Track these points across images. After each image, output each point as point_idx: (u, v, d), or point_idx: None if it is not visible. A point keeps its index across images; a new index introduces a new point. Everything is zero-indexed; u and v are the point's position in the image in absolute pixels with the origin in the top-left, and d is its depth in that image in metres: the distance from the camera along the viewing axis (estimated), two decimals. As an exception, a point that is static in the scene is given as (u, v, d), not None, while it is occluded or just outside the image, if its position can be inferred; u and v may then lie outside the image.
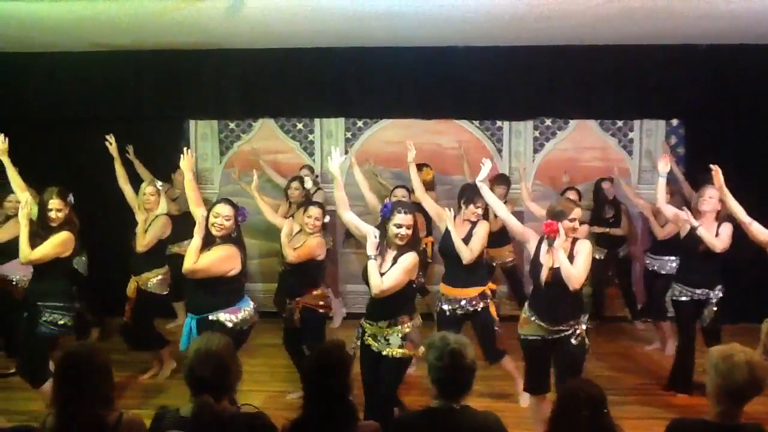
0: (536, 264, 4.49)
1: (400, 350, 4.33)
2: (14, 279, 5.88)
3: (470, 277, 5.28)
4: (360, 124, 7.98)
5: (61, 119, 7.50)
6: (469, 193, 5.32)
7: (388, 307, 4.36)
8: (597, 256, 7.13)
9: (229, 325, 4.54)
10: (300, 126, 8.03)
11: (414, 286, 4.53)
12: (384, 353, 4.35)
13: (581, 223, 6.01)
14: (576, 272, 4.30)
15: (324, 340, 5.52)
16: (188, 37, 6.29)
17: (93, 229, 6.81)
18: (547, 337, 4.48)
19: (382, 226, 4.41)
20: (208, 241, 4.58)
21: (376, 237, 4.30)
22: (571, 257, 4.37)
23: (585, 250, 4.39)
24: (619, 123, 7.81)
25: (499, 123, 7.86)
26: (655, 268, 6.66)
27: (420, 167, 6.99)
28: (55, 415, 2.75)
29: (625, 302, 7.64)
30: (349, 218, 4.66)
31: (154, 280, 5.97)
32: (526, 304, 4.70)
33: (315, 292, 5.54)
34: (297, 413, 2.87)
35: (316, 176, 7.57)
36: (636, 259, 7.65)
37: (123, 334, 6.14)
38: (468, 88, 7.14)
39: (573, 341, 4.41)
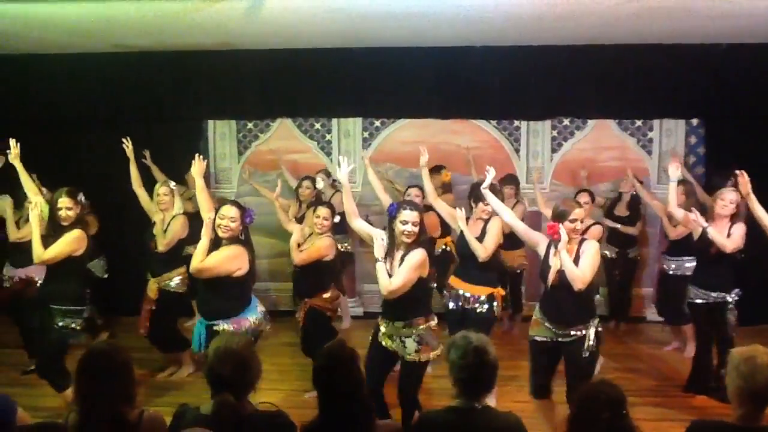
0: (545, 266, 4.48)
1: (417, 354, 4.35)
2: (39, 279, 5.94)
3: (483, 275, 5.29)
4: (377, 123, 8.00)
5: (81, 120, 7.57)
6: (477, 192, 5.30)
7: (402, 307, 4.37)
8: (608, 254, 7.12)
9: (252, 335, 4.54)
10: (317, 126, 8.06)
11: (433, 285, 4.49)
12: (406, 359, 4.38)
13: (595, 223, 6.02)
14: (580, 273, 4.27)
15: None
16: (207, 38, 6.32)
17: (107, 230, 6.92)
18: (556, 340, 4.46)
19: (389, 226, 4.42)
20: (216, 243, 4.62)
21: (383, 240, 4.31)
22: (577, 258, 4.36)
23: (591, 251, 4.36)
24: (638, 123, 7.77)
25: (516, 123, 7.85)
26: (672, 269, 6.58)
27: (438, 169, 7.07)
28: (78, 412, 2.79)
29: (616, 303, 7.57)
30: (359, 226, 4.66)
31: (176, 279, 5.99)
32: (537, 306, 4.68)
33: (324, 295, 5.58)
34: (310, 411, 2.89)
35: (334, 180, 7.58)
36: (645, 262, 7.63)
37: (150, 338, 6.16)
38: (486, 88, 7.12)
39: (584, 350, 4.37)
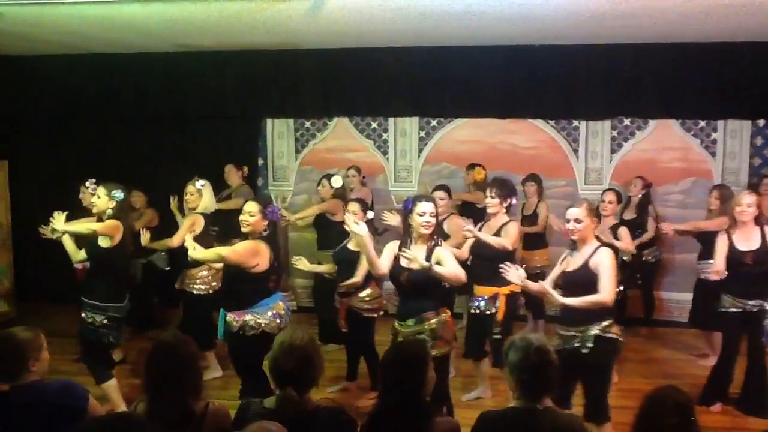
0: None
1: (433, 351, 4.19)
2: None
3: (493, 274, 5.09)
4: (434, 123, 7.99)
5: (144, 118, 7.76)
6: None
7: (413, 304, 4.40)
8: (624, 258, 6.89)
9: (233, 329, 4.67)
10: (374, 125, 8.10)
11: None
12: None
13: (620, 225, 5.97)
14: (606, 292, 4.11)
15: (370, 344, 5.61)
16: (269, 37, 6.41)
17: (163, 225, 7.07)
18: (566, 346, 4.23)
19: (405, 222, 4.45)
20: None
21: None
22: (590, 264, 4.20)
23: (605, 262, 4.17)
24: (702, 123, 7.57)
25: (575, 122, 7.74)
26: (704, 273, 6.23)
27: (473, 166, 7.17)
28: (146, 402, 2.87)
29: (644, 307, 7.39)
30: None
31: (197, 279, 5.98)
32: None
33: (362, 294, 5.51)
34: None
35: (363, 177, 7.60)
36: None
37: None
38: (544, 87, 7.02)
39: (585, 346, 4.20)
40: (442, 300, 4.64)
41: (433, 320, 4.37)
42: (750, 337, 5.24)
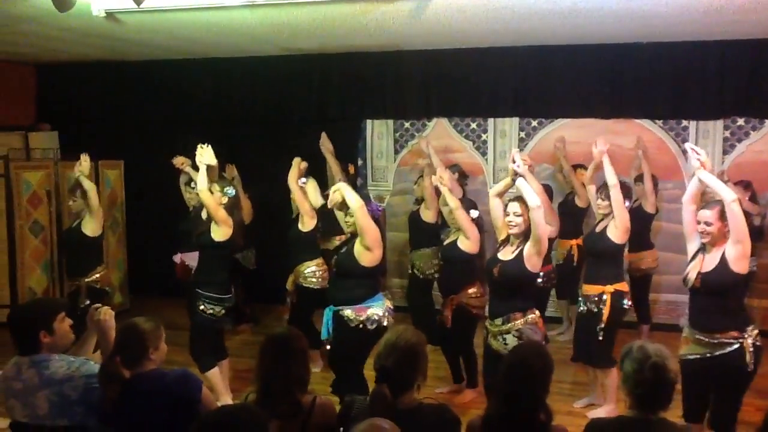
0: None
1: None
2: (192, 265, 6.17)
3: (600, 272, 5.07)
4: (534, 123, 7.85)
5: (253, 119, 8.02)
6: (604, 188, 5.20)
7: (500, 303, 4.43)
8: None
9: (352, 324, 4.71)
10: (473, 125, 8.03)
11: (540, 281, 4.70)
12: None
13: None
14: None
15: (470, 343, 5.60)
16: (371, 39, 6.49)
17: (266, 222, 7.25)
18: (708, 355, 4.01)
19: None
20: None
21: None
22: (724, 261, 3.97)
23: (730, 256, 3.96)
24: (826, 123, 7.11)
25: (684, 122, 7.42)
26: None
27: (575, 168, 6.95)
28: (257, 393, 2.96)
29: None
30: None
31: (306, 272, 6.07)
32: (686, 320, 4.31)
33: (471, 290, 5.50)
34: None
35: (466, 176, 7.53)
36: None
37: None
38: (652, 87, 6.78)
39: (747, 363, 3.92)
40: (534, 300, 4.61)
41: (520, 320, 4.38)
42: None
